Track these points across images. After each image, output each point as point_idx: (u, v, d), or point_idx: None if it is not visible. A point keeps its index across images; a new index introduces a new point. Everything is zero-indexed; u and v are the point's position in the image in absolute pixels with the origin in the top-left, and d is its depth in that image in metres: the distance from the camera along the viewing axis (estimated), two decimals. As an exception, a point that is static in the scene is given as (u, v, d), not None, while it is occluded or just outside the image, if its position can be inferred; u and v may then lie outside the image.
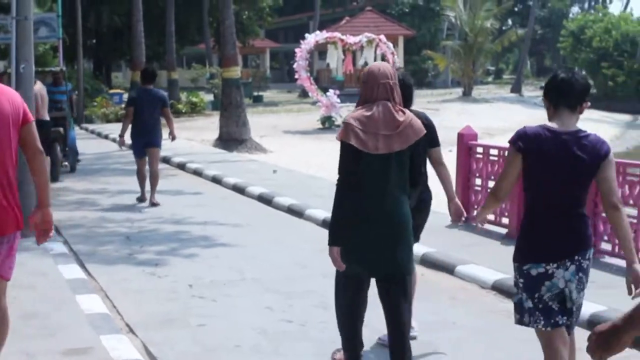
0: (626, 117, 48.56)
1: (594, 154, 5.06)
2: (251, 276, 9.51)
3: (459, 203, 7.01)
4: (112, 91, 41.37)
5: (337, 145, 6.02)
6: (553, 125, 5.14)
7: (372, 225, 5.66)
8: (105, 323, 7.53)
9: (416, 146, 5.74)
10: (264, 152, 24.54)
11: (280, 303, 8.35)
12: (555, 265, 5.09)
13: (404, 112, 5.75)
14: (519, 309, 5.24)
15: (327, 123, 30.29)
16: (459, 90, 52.60)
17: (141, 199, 14.49)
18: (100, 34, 47.75)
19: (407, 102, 6.45)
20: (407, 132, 5.67)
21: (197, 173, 18.82)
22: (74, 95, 22.92)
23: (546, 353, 5.25)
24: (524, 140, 5.10)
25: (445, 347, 7.05)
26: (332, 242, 5.72)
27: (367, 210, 5.66)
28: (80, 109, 33.49)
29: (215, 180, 17.57)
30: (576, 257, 5.11)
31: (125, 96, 30.57)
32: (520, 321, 5.27)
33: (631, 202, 9.52)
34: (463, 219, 7.10)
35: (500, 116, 38.07)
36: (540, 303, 5.13)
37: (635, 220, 9.43)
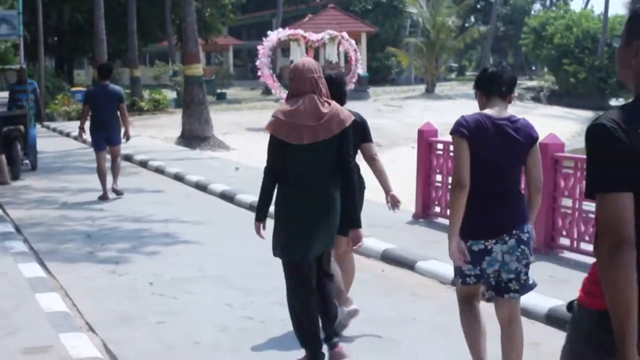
0: (588, 114, 48.87)
1: (526, 136, 5.52)
2: (212, 273, 9.51)
3: (396, 195, 7.33)
4: (74, 89, 40.95)
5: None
6: (488, 112, 5.56)
7: (300, 212, 6.06)
8: (65, 321, 7.51)
9: (342, 136, 6.04)
10: (226, 149, 24.49)
11: (241, 300, 8.35)
12: (493, 241, 5.48)
13: (329, 104, 6.07)
14: (460, 273, 5.68)
15: (290, 120, 30.18)
16: (422, 87, 52.69)
17: (103, 197, 14.43)
18: (61, 31, 47.21)
19: (337, 98, 6.52)
20: (332, 123, 6.00)
21: (159, 171, 18.74)
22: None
23: (465, 309, 5.80)
24: (465, 128, 5.48)
25: (406, 342, 7.09)
26: (256, 219, 6.34)
27: (295, 197, 6.08)
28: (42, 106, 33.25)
29: (178, 177, 17.51)
30: (514, 232, 5.48)
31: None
32: (464, 282, 5.70)
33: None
34: (399, 204, 7.40)
35: (463, 112, 37.94)
36: (484, 274, 5.57)
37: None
